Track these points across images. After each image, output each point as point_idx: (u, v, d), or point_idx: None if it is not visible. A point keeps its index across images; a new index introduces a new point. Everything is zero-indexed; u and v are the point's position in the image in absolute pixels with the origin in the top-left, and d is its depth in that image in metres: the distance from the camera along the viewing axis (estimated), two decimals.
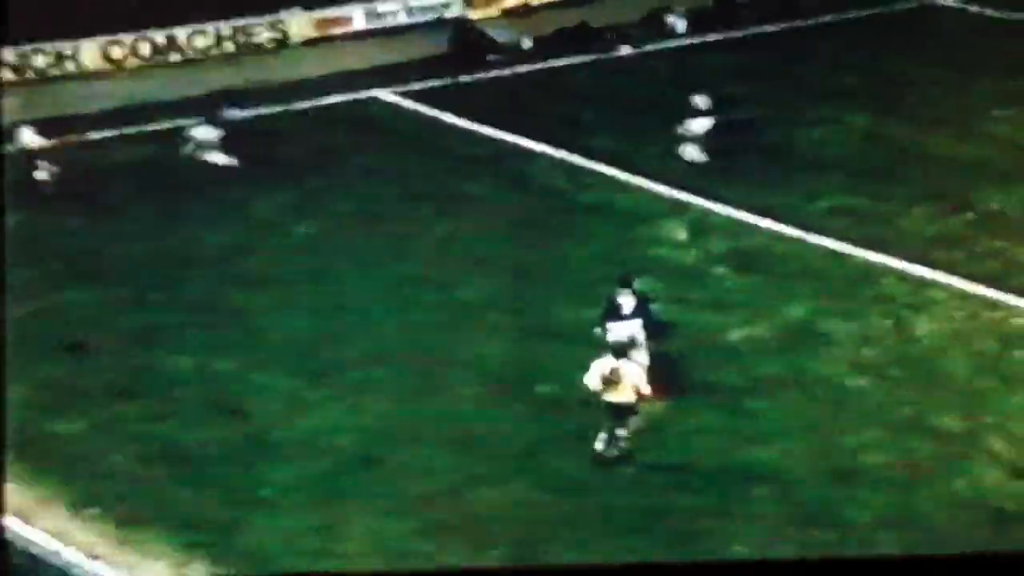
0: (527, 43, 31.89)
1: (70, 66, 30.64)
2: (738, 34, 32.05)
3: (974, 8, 33.45)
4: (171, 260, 22.69)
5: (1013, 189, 24.46)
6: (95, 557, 16.33)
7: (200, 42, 31.80)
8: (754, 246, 23.16)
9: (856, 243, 22.80)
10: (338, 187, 25.30)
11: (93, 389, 19.20)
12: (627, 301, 19.11)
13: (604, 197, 24.97)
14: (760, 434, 18.21)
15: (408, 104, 29.02)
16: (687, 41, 32.18)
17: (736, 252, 22.93)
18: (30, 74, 30.06)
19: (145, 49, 31.43)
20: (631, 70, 30.15)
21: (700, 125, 25.69)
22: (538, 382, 19.25)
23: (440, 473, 17.54)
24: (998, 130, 26.89)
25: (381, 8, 33.21)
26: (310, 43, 32.57)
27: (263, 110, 28.27)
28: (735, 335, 20.45)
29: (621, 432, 17.61)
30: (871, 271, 22.13)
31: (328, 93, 29.31)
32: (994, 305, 20.99)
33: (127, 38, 31.28)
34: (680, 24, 32.64)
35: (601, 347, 18.19)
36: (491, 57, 31.18)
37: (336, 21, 32.96)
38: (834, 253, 22.72)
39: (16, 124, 25.18)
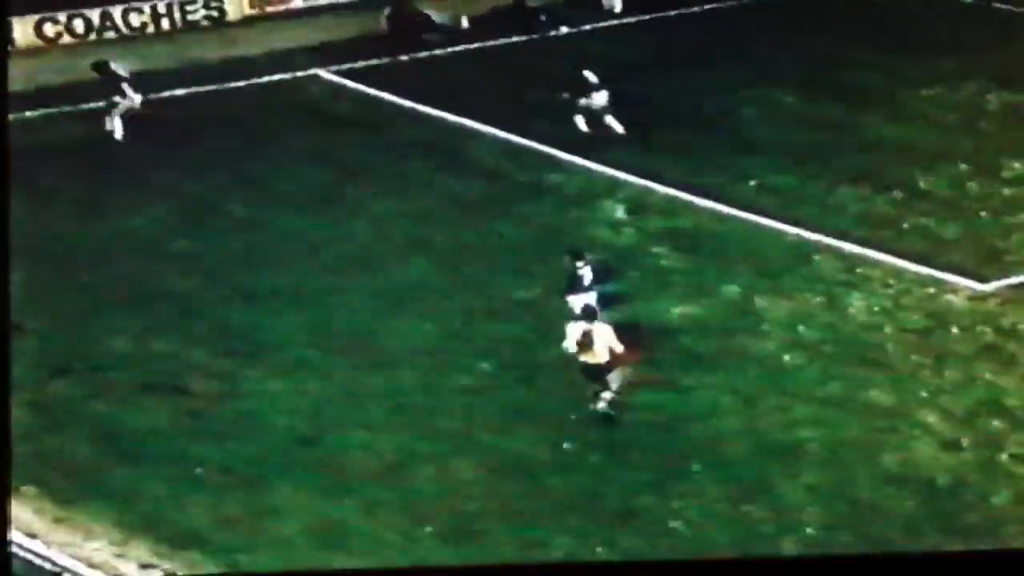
0: (464, 23, 31.91)
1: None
2: (672, 13, 32.20)
3: None
4: (106, 240, 22.60)
5: (940, 168, 24.78)
6: (33, 536, 16.30)
7: (135, 19, 31.57)
8: (690, 225, 23.35)
9: (789, 221, 23.03)
10: (275, 167, 25.23)
11: (29, 369, 19.11)
12: (586, 273, 19.65)
13: (542, 177, 25.07)
14: (696, 411, 18.41)
15: (346, 83, 28.97)
16: (624, 20, 32.32)
17: (672, 231, 23.10)
18: None
19: (79, 27, 31.17)
20: (568, 50, 30.23)
21: (601, 97, 25.93)
22: (476, 360, 19.35)
23: (378, 452, 17.61)
24: (926, 109, 27.20)
25: None
26: (247, 21, 32.42)
27: (198, 88, 28.13)
28: (672, 313, 20.64)
29: (610, 391, 17.96)
30: (804, 249, 22.35)
31: (265, 72, 29.19)
32: (923, 282, 21.29)
33: (61, 16, 31.00)
34: (617, 3, 32.76)
35: (573, 316, 18.61)
36: (428, 36, 31.17)
37: None
38: (768, 231, 22.92)
39: None
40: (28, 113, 26.59)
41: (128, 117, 26.23)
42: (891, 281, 21.39)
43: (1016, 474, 17.10)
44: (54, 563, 15.97)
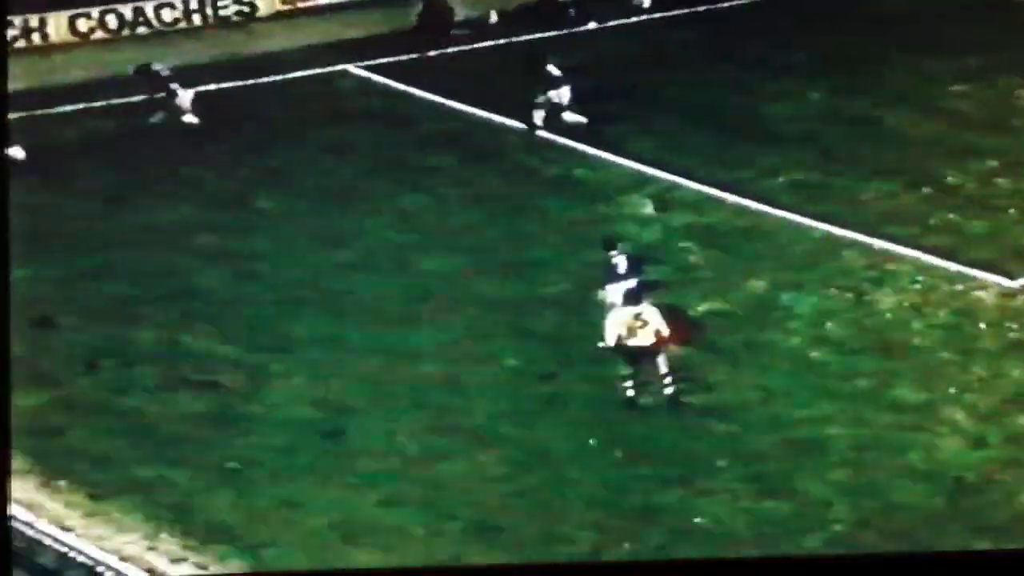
0: (493, 18, 31.95)
1: (36, 39, 30.57)
2: (700, 9, 32.15)
3: None
4: (134, 234, 22.75)
5: (969, 164, 24.70)
6: (67, 529, 16.47)
7: (168, 15, 31.74)
8: (717, 221, 23.36)
9: (816, 217, 22.98)
10: (303, 161, 25.34)
11: (60, 363, 19.30)
12: (621, 261, 19.81)
13: (569, 172, 25.09)
14: (721, 406, 18.42)
15: (376, 78, 29.06)
16: (652, 16, 32.29)
17: (699, 226, 23.12)
18: None
19: (112, 22, 31.36)
20: (596, 45, 30.24)
21: (565, 93, 26.00)
22: (501, 356, 19.42)
23: (403, 447, 17.71)
24: (955, 105, 27.10)
25: None
26: (278, 16, 32.54)
27: (229, 84, 28.27)
28: (698, 309, 20.66)
29: (661, 372, 18.11)
30: (831, 245, 22.33)
31: (296, 67, 29.31)
32: (951, 279, 21.23)
33: (94, 11, 31.19)
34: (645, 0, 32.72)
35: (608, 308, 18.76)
36: (456, 31, 31.22)
37: None
38: (795, 227, 22.89)
39: None
40: (61, 108, 26.83)
41: (186, 110, 26.39)
42: (919, 277, 21.34)
43: None
44: (88, 556, 16.14)
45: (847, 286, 21.17)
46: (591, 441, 17.78)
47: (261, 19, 32.36)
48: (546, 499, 16.85)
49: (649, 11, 32.43)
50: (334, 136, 26.35)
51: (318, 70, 29.25)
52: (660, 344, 18.20)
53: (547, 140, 26.18)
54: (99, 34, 31.24)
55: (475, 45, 30.76)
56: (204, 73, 28.27)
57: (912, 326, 20.17)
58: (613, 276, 19.84)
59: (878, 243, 22.26)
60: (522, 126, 26.28)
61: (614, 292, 19.40)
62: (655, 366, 18.21)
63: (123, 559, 16.11)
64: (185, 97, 26.58)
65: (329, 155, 25.61)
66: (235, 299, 20.93)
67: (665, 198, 24.04)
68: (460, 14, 31.61)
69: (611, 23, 31.75)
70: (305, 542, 16.30)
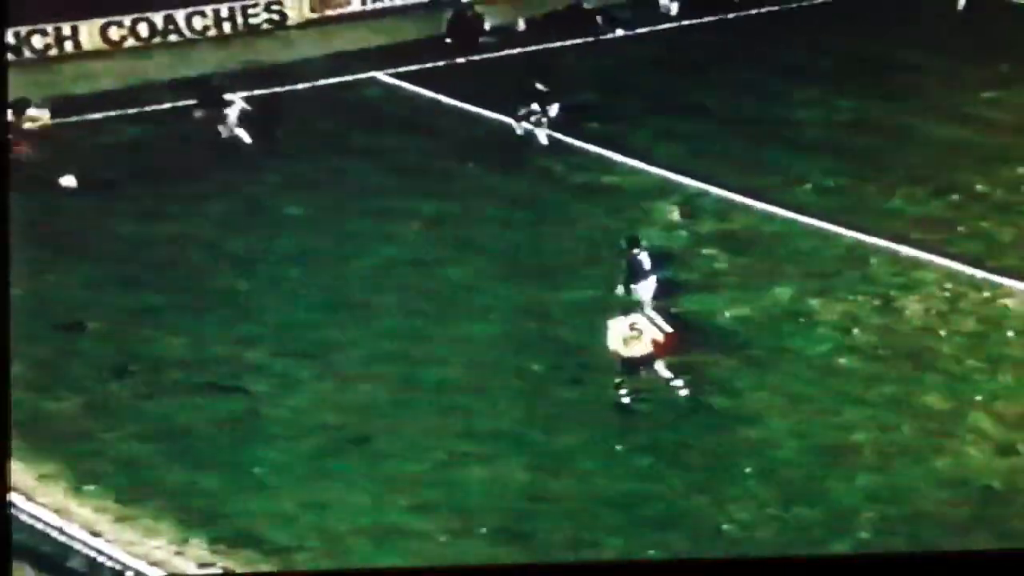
0: (521, 25, 32.02)
1: (69, 47, 30.82)
2: (729, 16, 32.15)
3: None
4: (163, 240, 22.89)
5: (997, 171, 24.62)
6: (96, 534, 16.59)
7: (198, 23, 31.95)
8: (743, 227, 23.36)
9: (843, 224, 22.98)
10: (332, 168, 25.45)
11: (88, 368, 19.45)
12: (644, 259, 20.08)
13: (596, 178, 25.13)
14: (748, 413, 18.43)
15: (405, 85, 29.16)
16: (680, 23, 32.30)
17: (725, 233, 23.13)
18: (28, 54, 30.24)
19: (144, 30, 31.59)
20: (623, 52, 30.27)
21: (554, 109, 26.21)
22: (526, 362, 19.48)
23: (429, 451, 17.77)
24: (985, 113, 27.01)
25: None
26: (308, 24, 32.71)
27: (259, 92, 28.42)
28: (724, 315, 20.67)
29: (665, 377, 18.25)
30: (858, 252, 22.31)
31: (324, 75, 29.45)
32: (979, 286, 21.18)
33: (126, 19, 31.43)
34: (673, 6, 32.74)
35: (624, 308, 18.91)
36: (484, 39, 31.31)
37: (334, 3, 33.09)
38: (821, 234, 22.90)
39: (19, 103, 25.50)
40: (92, 115, 27.03)
41: (242, 119, 26.54)
42: (947, 284, 21.30)
43: None
44: (116, 560, 16.25)
45: (874, 293, 21.15)
46: (617, 447, 17.81)
47: (290, 27, 32.56)
48: (572, 505, 16.88)
49: (677, 18, 32.50)
50: (362, 143, 26.47)
51: (347, 78, 29.38)
52: (657, 352, 18.25)
53: (574, 146, 26.23)
54: (130, 42, 31.45)
55: (503, 52, 30.85)
56: (234, 81, 28.42)
57: (939, 333, 20.12)
58: (639, 274, 19.99)
59: (905, 250, 22.23)
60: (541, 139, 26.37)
61: (644, 289, 19.66)
62: (655, 373, 18.23)
63: (152, 563, 16.21)
64: (239, 104, 26.69)
65: (357, 162, 25.72)
66: (263, 305, 21.05)
67: (691, 204, 24.08)
68: (489, 23, 31.72)
69: (639, 30, 31.80)
70: (332, 547, 16.38)
